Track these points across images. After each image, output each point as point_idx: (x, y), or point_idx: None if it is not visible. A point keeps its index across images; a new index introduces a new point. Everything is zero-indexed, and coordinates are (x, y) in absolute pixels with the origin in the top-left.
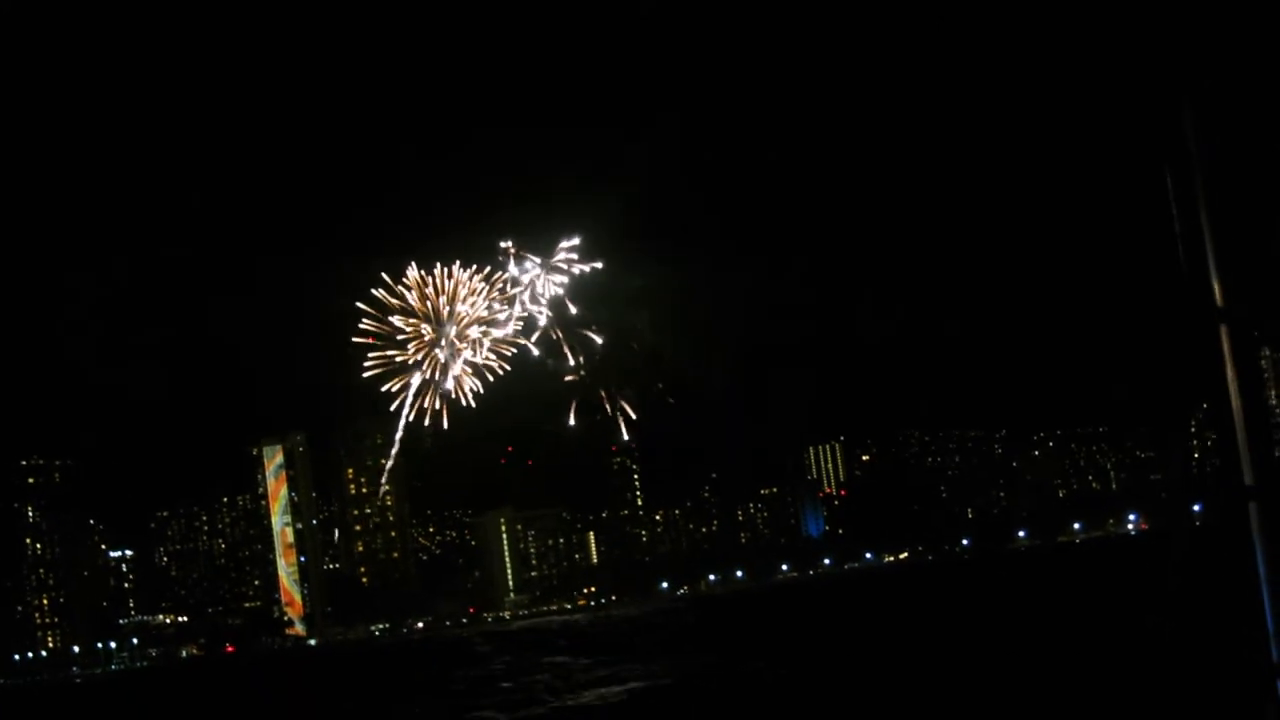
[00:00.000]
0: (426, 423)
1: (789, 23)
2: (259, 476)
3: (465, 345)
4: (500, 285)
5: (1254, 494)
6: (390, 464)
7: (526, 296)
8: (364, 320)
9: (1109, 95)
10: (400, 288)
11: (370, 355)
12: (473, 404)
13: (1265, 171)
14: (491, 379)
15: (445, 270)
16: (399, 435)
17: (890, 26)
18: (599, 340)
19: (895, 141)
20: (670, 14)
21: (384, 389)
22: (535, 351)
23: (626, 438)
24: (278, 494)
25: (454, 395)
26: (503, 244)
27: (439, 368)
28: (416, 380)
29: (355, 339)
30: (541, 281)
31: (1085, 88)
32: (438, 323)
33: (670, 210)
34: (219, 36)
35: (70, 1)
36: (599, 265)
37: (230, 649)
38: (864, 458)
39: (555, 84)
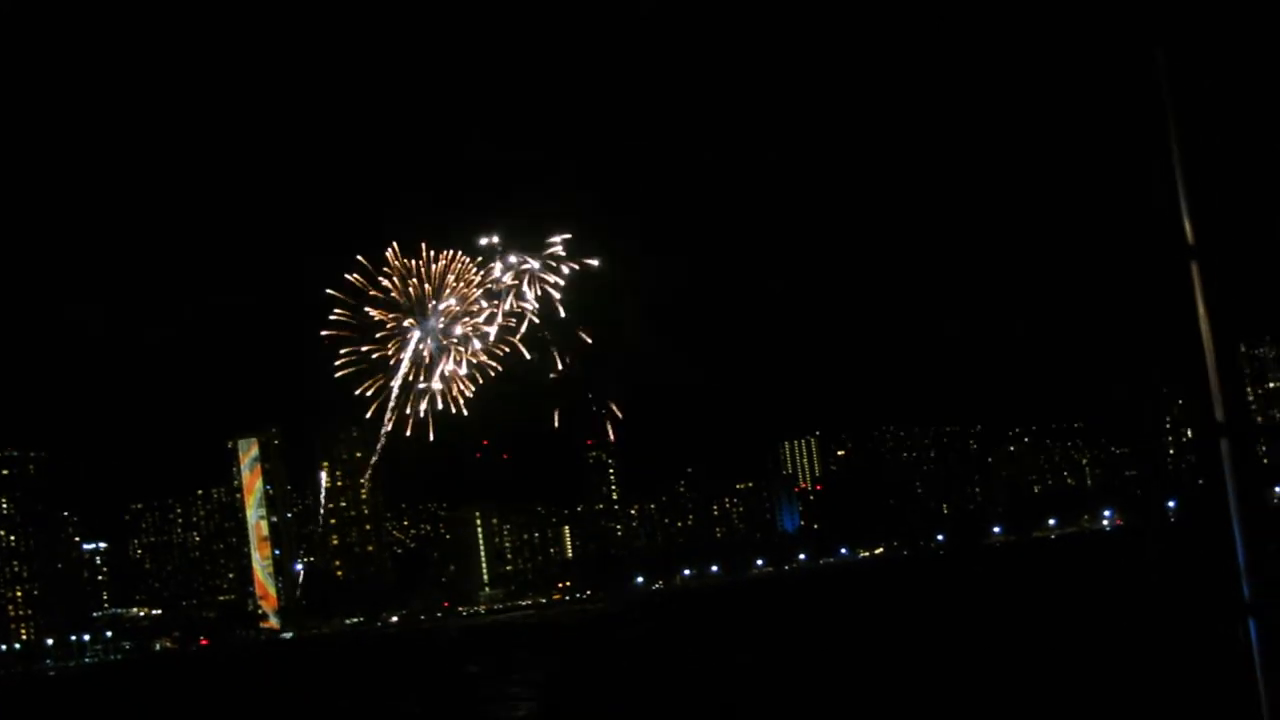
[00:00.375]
0: (409, 430)
1: (786, 24)
2: (234, 470)
3: (453, 343)
4: (488, 282)
5: (1224, 431)
6: (371, 467)
7: (514, 295)
8: (337, 310)
9: (1080, 57)
10: (381, 278)
11: (345, 350)
12: (464, 411)
13: (1237, 112)
14: (481, 380)
15: (428, 255)
16: (381, 442)
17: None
18: (588, 340)
19: (871, 133)
20: (669, 15)
21: (362, 390)
22: (526, 354)
23: (613, 438)
24: (253, 487)
25: (442, 400)
26: (486, 239)
27: (423, 369)
28: (398, 381)
29: (330, 332)
30: (528, 279)
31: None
32: (422, 315)
33: (657, 206)
34: (197, 36)
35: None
36: (594, 263)
37: (204, 642)
38: (839, 453)
39: (551, 85)
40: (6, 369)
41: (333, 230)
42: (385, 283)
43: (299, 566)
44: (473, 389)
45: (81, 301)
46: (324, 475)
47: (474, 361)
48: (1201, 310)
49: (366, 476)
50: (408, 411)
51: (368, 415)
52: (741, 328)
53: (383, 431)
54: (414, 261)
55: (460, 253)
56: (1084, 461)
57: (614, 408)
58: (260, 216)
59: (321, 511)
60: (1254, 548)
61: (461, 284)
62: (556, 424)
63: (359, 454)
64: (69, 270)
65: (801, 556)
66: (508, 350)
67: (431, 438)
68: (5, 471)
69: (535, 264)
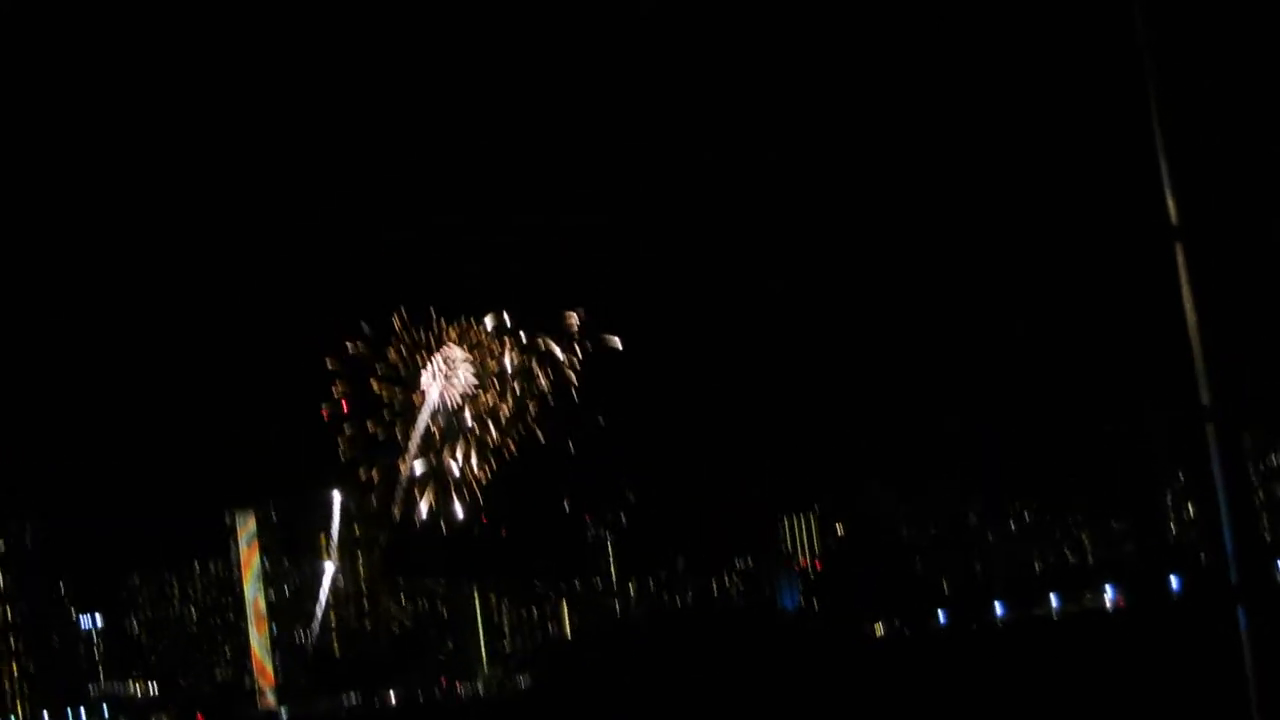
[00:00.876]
0: (424, 513)
1: (785, 25)
2: (232, 544)
3: (466, 430)
4: (498, 362)
5: (1210, 416)
6: (381, 548)
7: (521, 377)
8: (338, 384)
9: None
10: (388, 348)
11: (348, 429)
12: (479, 497)
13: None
14: (494, 466)
15: (439, 325)
16: (393, 522)
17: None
18: (600, 422)
19: (863, 168)
20: (669, 15)
21: (368, 477)
22: (541, 436)
23: (625, 523)
24: (250, 563)
25: (454, 487)
26: (494, 321)
27: (433, 454)
28: (407, 464)
29: (331, 404)
30: (538, 360)
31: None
32: (430, 392)
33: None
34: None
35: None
36: (615, 341)
37: (201, 718)
38: (837, 529)
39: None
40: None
41: (335, 299)
42: (391, 356)
43: (302, 642)
44: (487, 474)
45: (74, 374)
46: (329, 564)
47: (486, 445)
48: (1186, 291)
49: (377, 555)
50: (416, 495)
51: (371, 493)
52: (738, 405)
53: (395, 510)
54: (422, 333)
55: (472, 325)
56: (1084, 538)
57: (628, 493)
58: (258, 286)
59: (327, 582)
60: (1240, 535)
61: (471, 361)
62: (567, 508)
63: (357, 529)
64: (63, 342)
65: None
66: (521, 435)
67: (442, 524)
68: (0, 544)
69: (556, 349)
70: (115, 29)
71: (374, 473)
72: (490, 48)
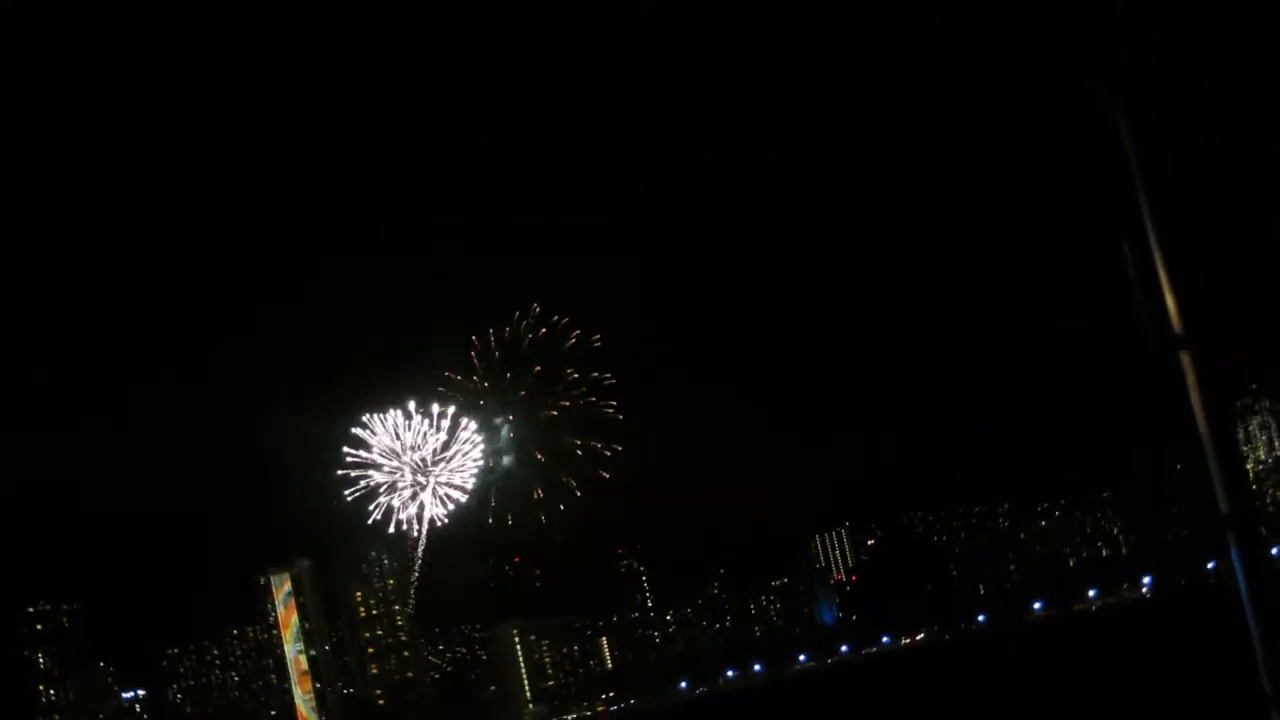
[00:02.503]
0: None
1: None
2: (269, 606)
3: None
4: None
5: (1229, 523)
6: (413, 587)
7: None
8: (350, 454)
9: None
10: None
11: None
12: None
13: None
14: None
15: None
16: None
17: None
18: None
19: (868, 192)
20: (670, 16)
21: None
22: (578, 490)
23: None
24: (288, 622)
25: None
26: (505, 428)
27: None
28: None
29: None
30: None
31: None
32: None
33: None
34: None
35: None
36: (613, 409)
37: None
38: (869, 542)
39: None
40: (33, 526)
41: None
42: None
43: (345, 694)
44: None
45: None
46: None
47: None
48: (1196, 401)
49: (409, 603)
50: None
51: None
52: (760, 426)
53: (417, 560)
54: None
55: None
56: (1115, 530)
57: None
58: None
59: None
60: (1225, 464)
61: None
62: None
63: (391, 581)
64: (92, 422)
65: (844, 649)
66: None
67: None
68: (40, 626)
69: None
70: (115, 30)
71: (402, 527)
72: (488, 49)
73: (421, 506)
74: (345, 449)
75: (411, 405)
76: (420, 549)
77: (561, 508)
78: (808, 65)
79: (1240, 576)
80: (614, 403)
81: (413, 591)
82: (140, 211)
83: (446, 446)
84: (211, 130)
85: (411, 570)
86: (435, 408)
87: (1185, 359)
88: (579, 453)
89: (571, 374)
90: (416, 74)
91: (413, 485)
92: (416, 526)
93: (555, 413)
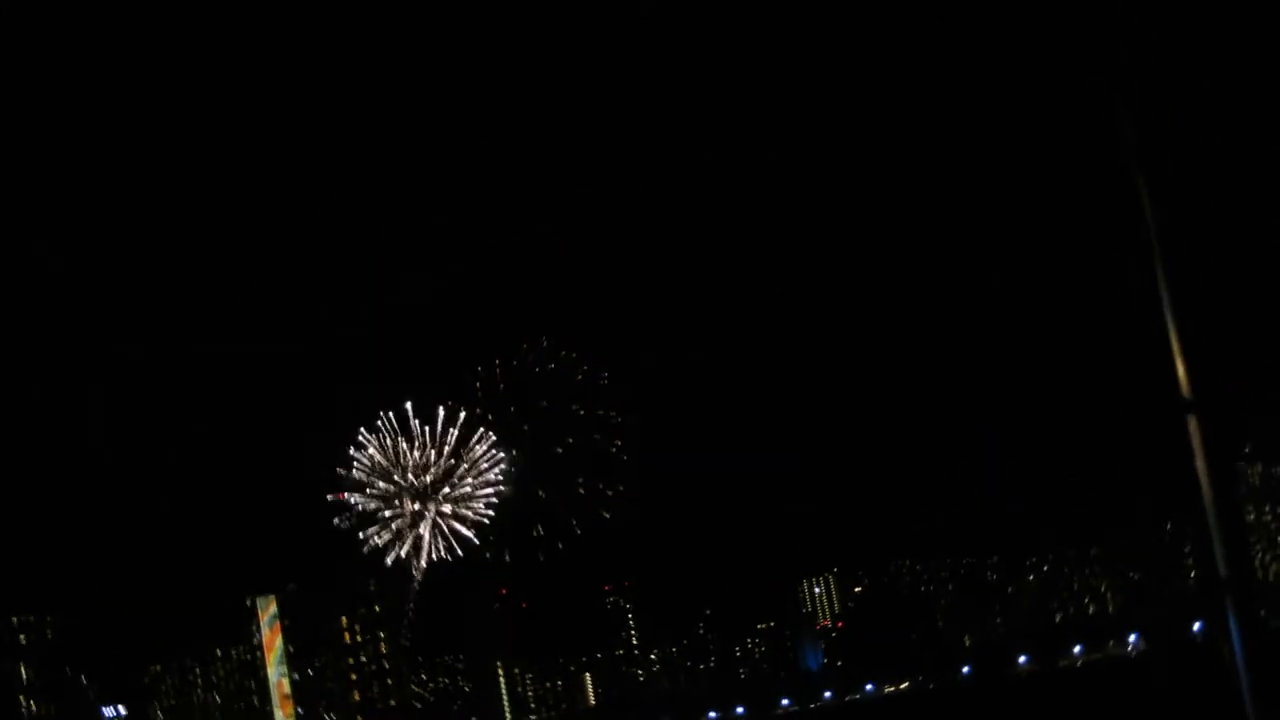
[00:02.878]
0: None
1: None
2: (253, 628)
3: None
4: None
5: (1227, 588)
6: (408, 615)
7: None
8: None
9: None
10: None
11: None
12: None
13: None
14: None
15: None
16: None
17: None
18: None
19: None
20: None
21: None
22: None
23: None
24: (273, 645)
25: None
26: (511, 465)
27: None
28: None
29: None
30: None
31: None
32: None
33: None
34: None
35: None
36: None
37: None
38: (856, 589)
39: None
40: (17, 536)
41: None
42: (405, 451)
43: None
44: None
45: (87, 463)
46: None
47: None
48: (1201, 465)
49: (405, 632)
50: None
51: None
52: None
53: (412, 596)
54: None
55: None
56: (1102, 588)
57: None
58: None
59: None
60: (1226, 528)
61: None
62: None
63: (377, 608)
64: (77, 431)
65: (827, 694)
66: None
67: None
68: (22, 638)
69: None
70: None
71: (390, 551)
72: (489, 51)
73: (419, 540)
74: (339, 469)
75: (409, 408)
76: (416, 585)
77: (560, 545)
78: (806, 65)
79: (1236, 640)
80: (619, 441)
81: (406, 625)
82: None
83: (452, 470)
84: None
85: (405, 603)
86: (441, 412)
87: (1192, 423)
88: (581, 491)
89: (578, 410)
90: (416, 75)
91: (410, 515)
92: (415, 563)
93: (560, 450)
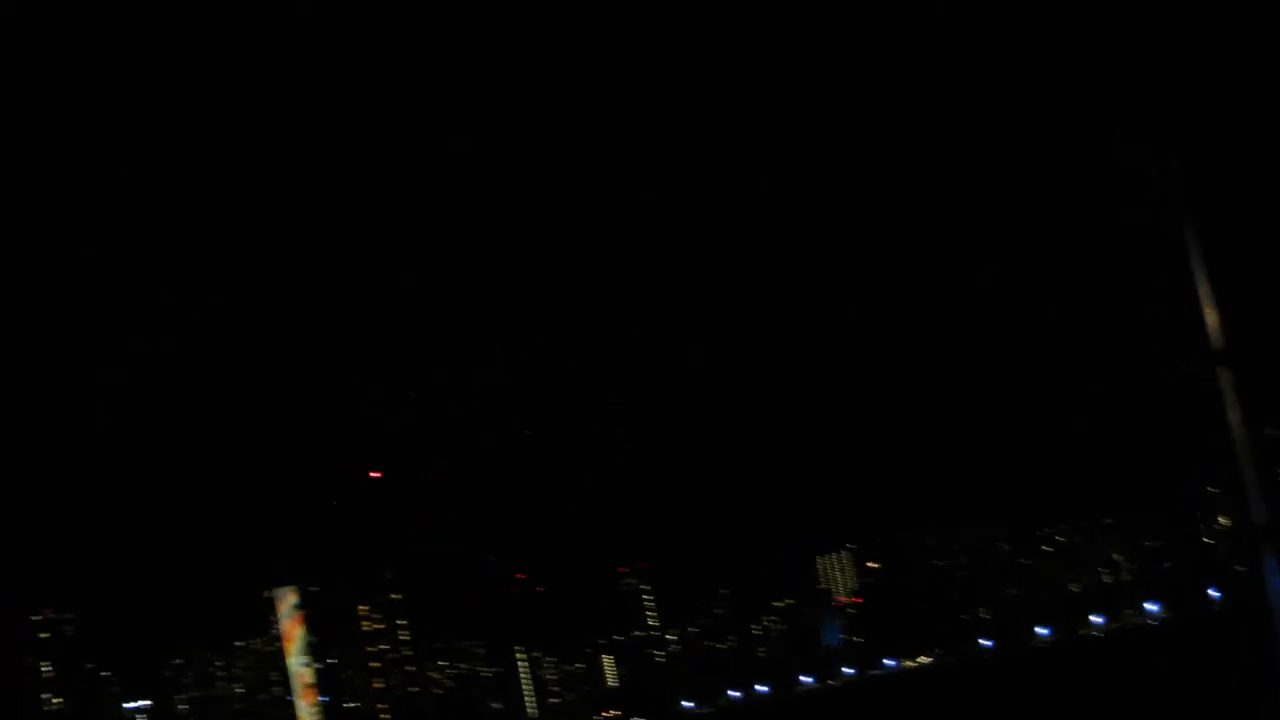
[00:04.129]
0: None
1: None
2: (273, 619)
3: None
4: None
5: (1266, 534)
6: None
7: None
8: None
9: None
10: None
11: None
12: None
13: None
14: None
15: None
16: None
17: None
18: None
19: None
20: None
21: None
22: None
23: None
24: (294, 635)
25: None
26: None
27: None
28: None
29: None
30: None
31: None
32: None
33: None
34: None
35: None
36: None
37: None
38: (871, 565)
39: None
40: (36, 532)
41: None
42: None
43: (350, 709)
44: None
45: (108, 457)
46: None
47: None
48: (1233, 415)
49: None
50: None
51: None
52: (763, 447)
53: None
54: None
55: None
56: (1117, 557)
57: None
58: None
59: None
60: (1263, 475)
61: None
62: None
63: (395, 596)
64: (97, 426)
65: (847, 670)
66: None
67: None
68: (44, 634)
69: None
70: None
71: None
72: (488, 54)
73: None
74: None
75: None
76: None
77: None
78: (807, 65)
79: (1274, 585)
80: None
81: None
82: (139, 216)
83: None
84: (212, 137)
85: (420, 588)
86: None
87: (1224, 375)
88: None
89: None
90: (416, 75)
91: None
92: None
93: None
